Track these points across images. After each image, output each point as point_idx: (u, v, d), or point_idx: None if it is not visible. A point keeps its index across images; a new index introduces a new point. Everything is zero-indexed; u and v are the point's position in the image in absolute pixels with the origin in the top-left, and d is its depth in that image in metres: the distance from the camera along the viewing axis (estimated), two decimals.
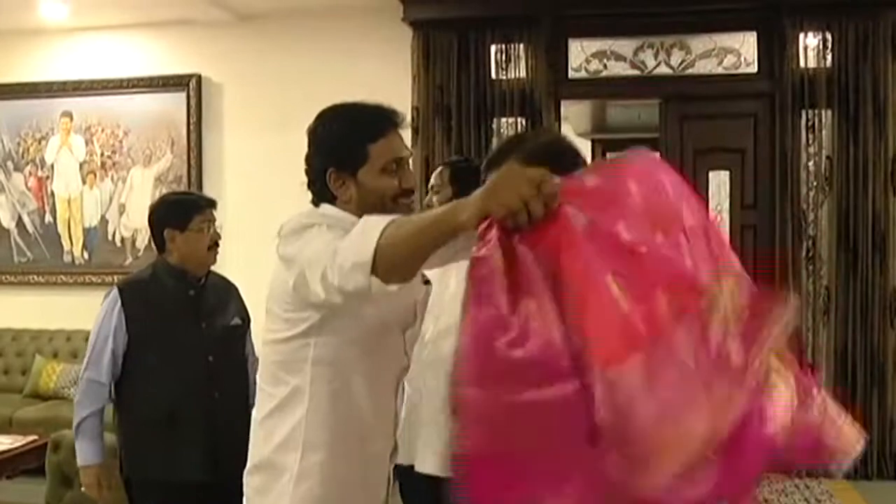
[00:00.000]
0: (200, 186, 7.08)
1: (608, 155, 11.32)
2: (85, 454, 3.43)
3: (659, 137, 6.82)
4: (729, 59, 6.60)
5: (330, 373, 2.12)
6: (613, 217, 1.56)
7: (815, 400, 1.73)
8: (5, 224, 7.63)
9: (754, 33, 6.55)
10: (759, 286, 1.65)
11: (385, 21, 6.68)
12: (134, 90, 7.31)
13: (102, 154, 7.42)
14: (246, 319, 3.61)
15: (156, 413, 3.34)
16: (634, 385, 1.43)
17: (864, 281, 6.29)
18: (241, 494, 2.29)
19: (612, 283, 1.48)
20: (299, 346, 2.11)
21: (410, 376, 2.38)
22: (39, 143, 7.54)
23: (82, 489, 3.53)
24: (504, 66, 6.65)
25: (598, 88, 6.98)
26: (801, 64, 6.37)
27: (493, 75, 6.67)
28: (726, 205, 6.63)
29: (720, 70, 6.62)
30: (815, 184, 6.42)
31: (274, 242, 2.12)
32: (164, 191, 6.77)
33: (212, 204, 3.55)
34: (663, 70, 6.69)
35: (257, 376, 2.25)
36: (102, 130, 7.41)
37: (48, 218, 7.56)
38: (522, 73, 6.62)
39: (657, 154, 1.82)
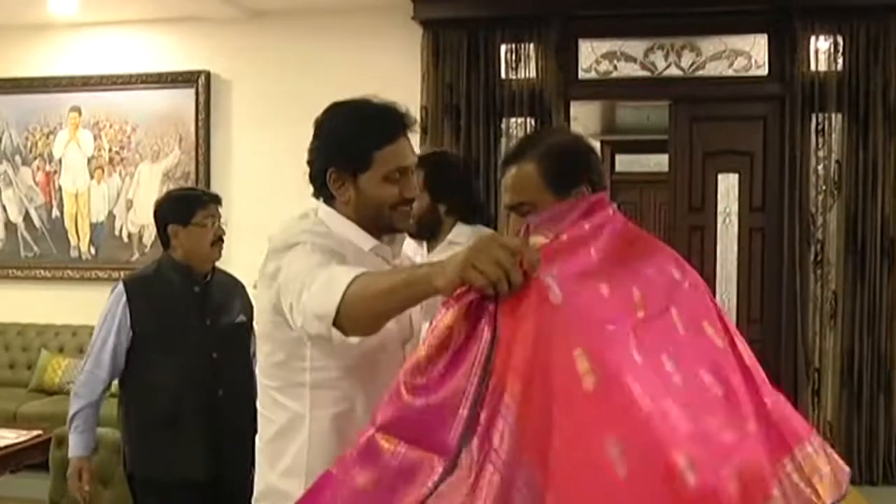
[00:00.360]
0: (208, 183, 7.07)
1: (617, 157, 11.34)
2: (72, 446, 3.44)
3: (668, 139, 6.80)
4: (739, 62, 6.58)
5: (330, 397, 2.05)
6: (590, 284, 1.59)
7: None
8: (12, 218, 7.63)
9: (765, 36, 6.52)
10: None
11: (395, 19, 6.68)
12: (143, 86, 7.30)
13: (110, 149, 7.42)
14: (251, 317, 3.60)
15: (158, 410, 3.35)
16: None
17: (872, 286, 6.26)
18: (243, 493, 2.27)
19: (579, 357, 1.47)
20: (296, 371, 2.06)
21: None
22: (47, 137, 7.54)
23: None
24: (514, 65, 6.63)
25: (607, 89, 6.96)
26: (812, 67, 6.34)
27: (503, 75, 6.65)
28: (735, 207, 6.60)
29: (730, 72, 6.60)
30: (823, 187, 6.39)
31: None
32: (172, 187, 6.77)
33: (216, 200, 3.54)
34: (673, 72, 6.66)
35: (258, 402, 2.20)
36: (111, 126, 7.40)
37: (55, 213, 7.56)
38: (532, 74, 6.60)
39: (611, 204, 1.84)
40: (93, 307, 3.84)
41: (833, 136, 6.37)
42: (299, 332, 1.90)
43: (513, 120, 6.67)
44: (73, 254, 7.52)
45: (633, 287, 1.66)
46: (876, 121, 6.24)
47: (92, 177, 7.47)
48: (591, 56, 6.71)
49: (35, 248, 7.60)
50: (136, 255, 7.31)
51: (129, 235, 7.41)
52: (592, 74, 6.74)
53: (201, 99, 7.20)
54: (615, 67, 6.71)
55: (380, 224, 2.12)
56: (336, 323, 1.74)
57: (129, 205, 7.40)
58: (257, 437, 2.20)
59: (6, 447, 4.71)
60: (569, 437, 1.43)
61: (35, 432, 4.94)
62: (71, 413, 3.44)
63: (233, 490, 3.31)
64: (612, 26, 6.68)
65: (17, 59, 7.53)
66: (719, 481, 1.44)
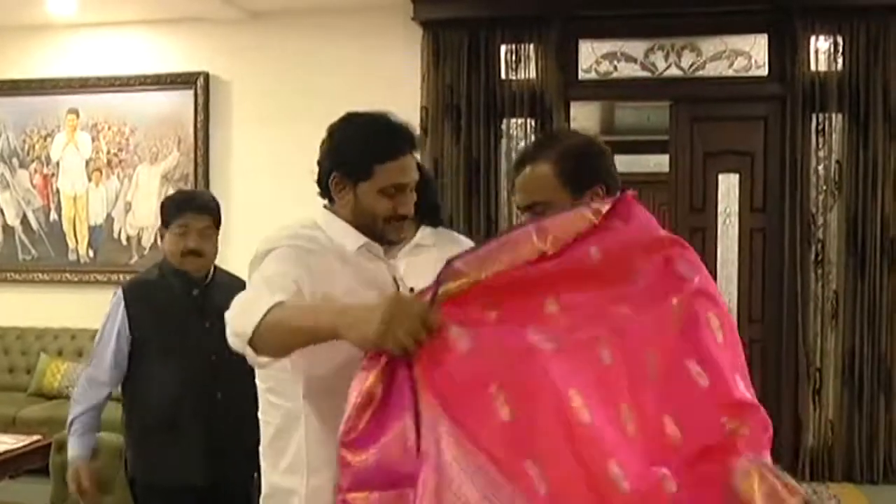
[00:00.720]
0: (207, 185, 7.05)
1: (617, 157, 11.31)
2: (71, 450, 3.43)
3: (669, 139, 6.81)
4: (739, 62, 6.58)
5: (323, 390, 2.08)
6: (507, 327, 1.71)
7: None
8: (10, 221, 7.61)
9: (765, 36, 6.52)
10: None
11: (395, 20, 6.68)
12: (141, 87, 7.28)
13: (109, 152, 7.40)
14: None
15: (158, 414, 3.33)
16: None
17: (873, 285, 6.27)
18: (244, 498, 2.27)
19: (496, 393, 1.64)
20: (285, 370, 2.10)
21: None
22: (45, 140, 7.51)
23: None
24: (514, 66, 6.63)
25: (608, 90, 6.96)
26: (812, 67, 6.34)
27: (503, 75, 6.65)
28: (735, 208, 6.61)
29: (731, 72, 6.60)
30: (824, 188, 6.40)
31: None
32: (171, 189, 6.75)
33: (198, 209, 3.44)
34: (674, 72, 6.66)
35: (259, 409, 2.25)
36: (109, 128, 7.38)
37: (53, 216, 7.53)
38: (532, 74, 6.60)
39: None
40: (92, 310, 3.83)
41: (833, 136, 6.37)
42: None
43: (513, 120, 6.67)
44: (72, 257, 7.50)
45: (561, 320, 1.75)
46: (876, 121, 6.24)
47: (90, 179, 7.44)
48: (592, 56, 6.70)
49: (33, 252, 7.57)
50: (135, 258, 7.29)
51: (128, 238, 7.38)
52: (593, 75, 6.73)
53: (200, 100, 7.18)
54: (615, 68, 6.71)
55: (372, 233, 2.22)
56: (251, 343, 1.88)
57: (128, 207, 7.37)
58: (260, 444, 2.24)
59: (5, 452, 4.69)
60: (498, 461, 1.61)
61: (35, 437, 4.92)
62: (70, 418, 3.43)
63: (232, 494, 3.31)
64: (612, 27, 6.68)
65: (15, 61, 7.50)
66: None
